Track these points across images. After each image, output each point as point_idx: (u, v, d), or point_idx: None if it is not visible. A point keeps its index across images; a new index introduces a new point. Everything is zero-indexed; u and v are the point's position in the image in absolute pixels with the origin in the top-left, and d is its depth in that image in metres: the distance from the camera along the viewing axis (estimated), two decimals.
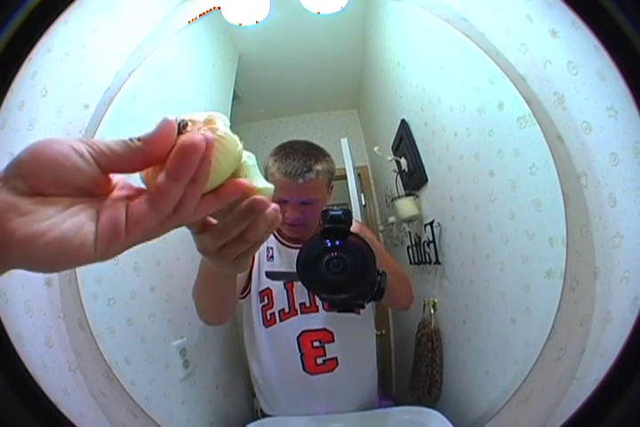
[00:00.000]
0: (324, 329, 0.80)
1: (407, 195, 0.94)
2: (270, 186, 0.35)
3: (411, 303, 0.81)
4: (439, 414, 0.75)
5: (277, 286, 0.80)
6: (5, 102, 0.45)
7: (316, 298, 0.78)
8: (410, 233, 0.96)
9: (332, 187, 0.80)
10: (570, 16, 0.46)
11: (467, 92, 0.75)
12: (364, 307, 0.60)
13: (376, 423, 0.79)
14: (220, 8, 0.81)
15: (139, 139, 0.27)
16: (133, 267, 0.73)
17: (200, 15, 0.78)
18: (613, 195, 0.50)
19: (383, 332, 0.97)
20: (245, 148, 0.33)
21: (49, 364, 0.55)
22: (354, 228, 0.54)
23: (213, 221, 0.34)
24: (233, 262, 0.35)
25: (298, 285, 0.79)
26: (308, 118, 1.07)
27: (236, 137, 0.32)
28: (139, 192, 0.29)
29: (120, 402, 0.66)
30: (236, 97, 0.98)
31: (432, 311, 0.88)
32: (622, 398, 0.39)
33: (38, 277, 0.58)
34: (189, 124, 0.30)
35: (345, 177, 0.91)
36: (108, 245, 0.26)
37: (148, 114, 0.73)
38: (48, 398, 0.43)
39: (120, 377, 0.65)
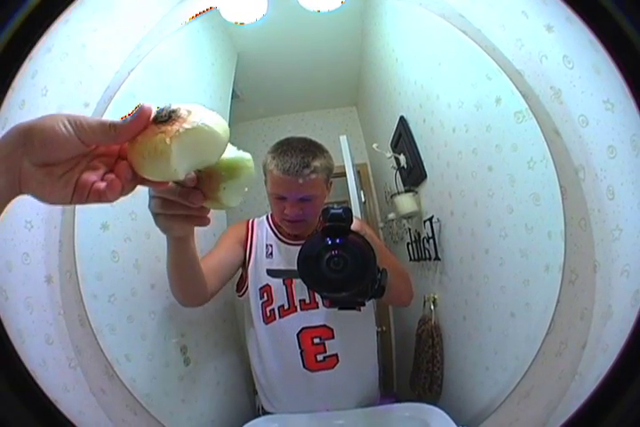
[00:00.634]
0: (324, 326, 0.80)
1: (406, 191, 0.94)
2: (245, 155, 0.40)
3: (411, 300, 0.80)
4: (440, 411, 0.75)
5: (276, 283, 0.80)
6: (6, 101, 0.45)
7: (316, 294, 0.78)
8: (409, 229, 0.97)
9: (330, 183, 0.80)
10: (564, 11, 0.46)
11: (464, 88, 0.75)
12: (364, 304, 0.60)
13: (378, 420, 0.79)
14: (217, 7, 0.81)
15: (115, 128, 0.34)
16: (134, 264, 0.74)
17: (198, 14, 0.78)
18: (612, 188, 0.50)
19: (384, 328, 0.97)
20: (245, 146, 0.35)
21: (49, 361, 0.55)
22: (354, 225, 0.54)
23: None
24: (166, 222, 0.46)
25: (297, 281, 0.79)
26: (307, 116, 1.07)
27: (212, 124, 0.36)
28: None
29: (120, 399, 0.66)
30: (234, 95, 0.98)
31: (432, 308, 0.88)
32: (625, 395, 0.39)
33: (39, 275, 0.58)
34: (172, 116, 0.35)
35: (344, 174, 0.91)
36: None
37: None
38: (47, 395, 0.43)
39: (120, 374, 0.66)
